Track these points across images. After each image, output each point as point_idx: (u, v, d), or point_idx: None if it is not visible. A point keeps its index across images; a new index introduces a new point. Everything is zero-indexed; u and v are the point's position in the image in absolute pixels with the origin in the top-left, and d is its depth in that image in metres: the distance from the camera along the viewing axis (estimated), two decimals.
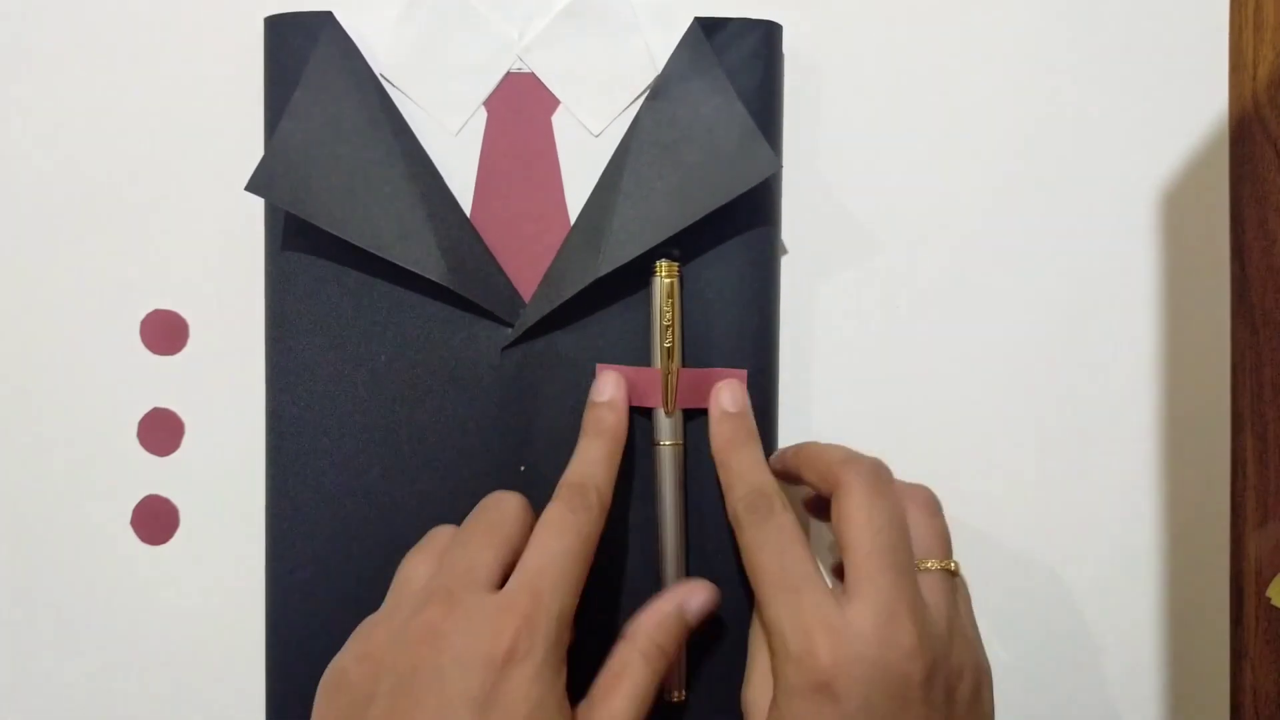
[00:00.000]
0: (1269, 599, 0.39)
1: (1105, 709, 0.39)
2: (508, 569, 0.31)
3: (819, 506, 0.38)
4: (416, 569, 0.32)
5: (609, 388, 0.36)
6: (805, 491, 0.37)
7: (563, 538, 0.31)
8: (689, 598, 0.34)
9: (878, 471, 0.32)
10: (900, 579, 0.30)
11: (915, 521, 0.33)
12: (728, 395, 0.36)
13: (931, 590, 0.31)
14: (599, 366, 0.37)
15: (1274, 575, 0.39)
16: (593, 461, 0.34)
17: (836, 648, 0.29)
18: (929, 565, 0.32)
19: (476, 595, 0.30)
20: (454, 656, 0.29)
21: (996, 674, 0.33)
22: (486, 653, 0.28)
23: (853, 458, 0.33)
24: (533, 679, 0.28)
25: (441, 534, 0.34)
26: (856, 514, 0.31)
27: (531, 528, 0.32)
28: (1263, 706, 0.39)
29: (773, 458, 0.37)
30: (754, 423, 0.36)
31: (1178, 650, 0.40)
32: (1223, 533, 0.40)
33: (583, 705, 0.31)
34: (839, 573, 0.34)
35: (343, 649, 0.31)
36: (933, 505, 0.34)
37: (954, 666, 0.30)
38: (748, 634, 0.35)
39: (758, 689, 0.32)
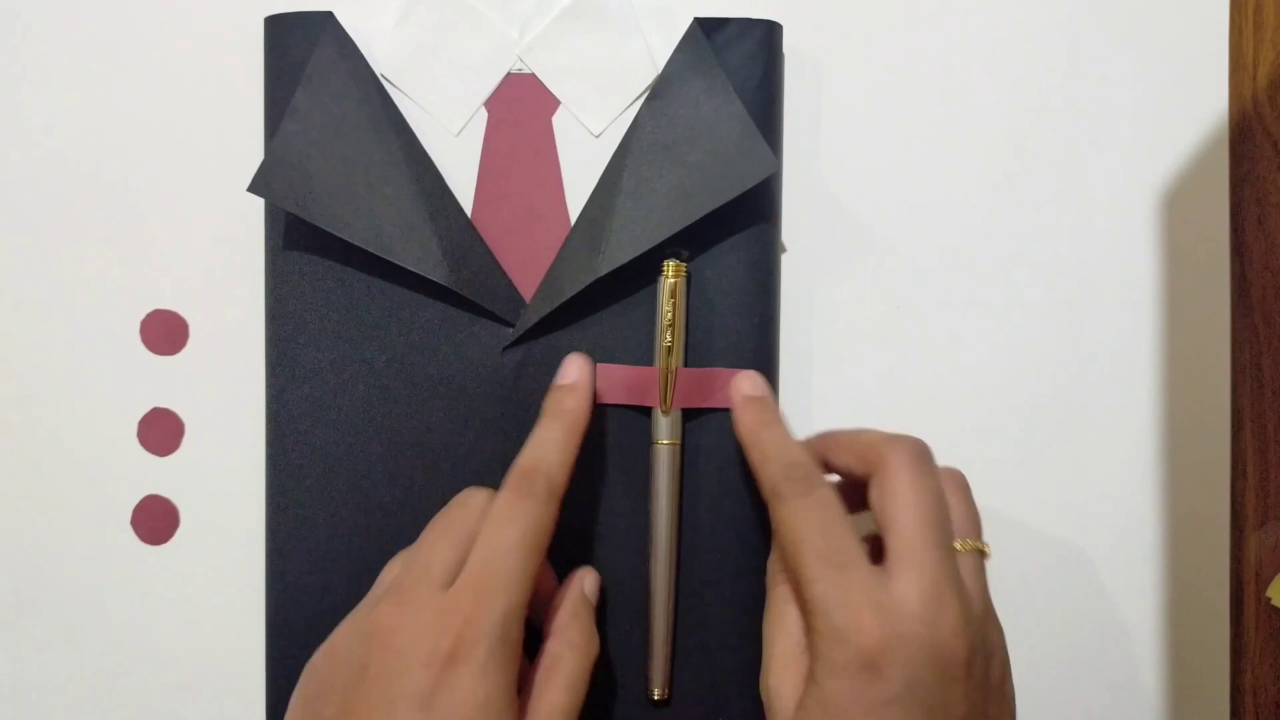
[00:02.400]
0: (1269, 599, 0.39)
1: (1105, 708, 0.39)
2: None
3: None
4: (392, 568, 0.33)
5: (573, 371, 0.35)
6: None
7: (508, 530, 0.31)
8: (583, 579, 0.35)
9: (922, 450, 0.32)
10: (945, 557, 0.30)
11: (951, 503, 0.32)
12: (749, 382, 0.36)
13: (967, 571, 0.31)
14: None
15: (1274, 575, 0.39)
16: (546, 444, 0.33)
17: (885, 625, 0.29)
18: (966, 545, 0.32)
19: (426, 592, 0.30)
20: (399, 655, 0.29)
21: None
22: (429, 653, 0.29)
23: (895, 436, 0.33)
24: (476, 677, 0.28)
25: None
26: (904, 491, 0.31)
27: None
28: (1263, 706, 0.39)
29: None
30: (778, 407, 0.36)
31: (1178, 650, 0.40)
32: (1223, 533, 0.40)
33: (523, 702, 0.31)
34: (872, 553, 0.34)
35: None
36: (966, 488, 0.34)
37: (989, 648, 0.31)
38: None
39: (779, 675, 0.32)
